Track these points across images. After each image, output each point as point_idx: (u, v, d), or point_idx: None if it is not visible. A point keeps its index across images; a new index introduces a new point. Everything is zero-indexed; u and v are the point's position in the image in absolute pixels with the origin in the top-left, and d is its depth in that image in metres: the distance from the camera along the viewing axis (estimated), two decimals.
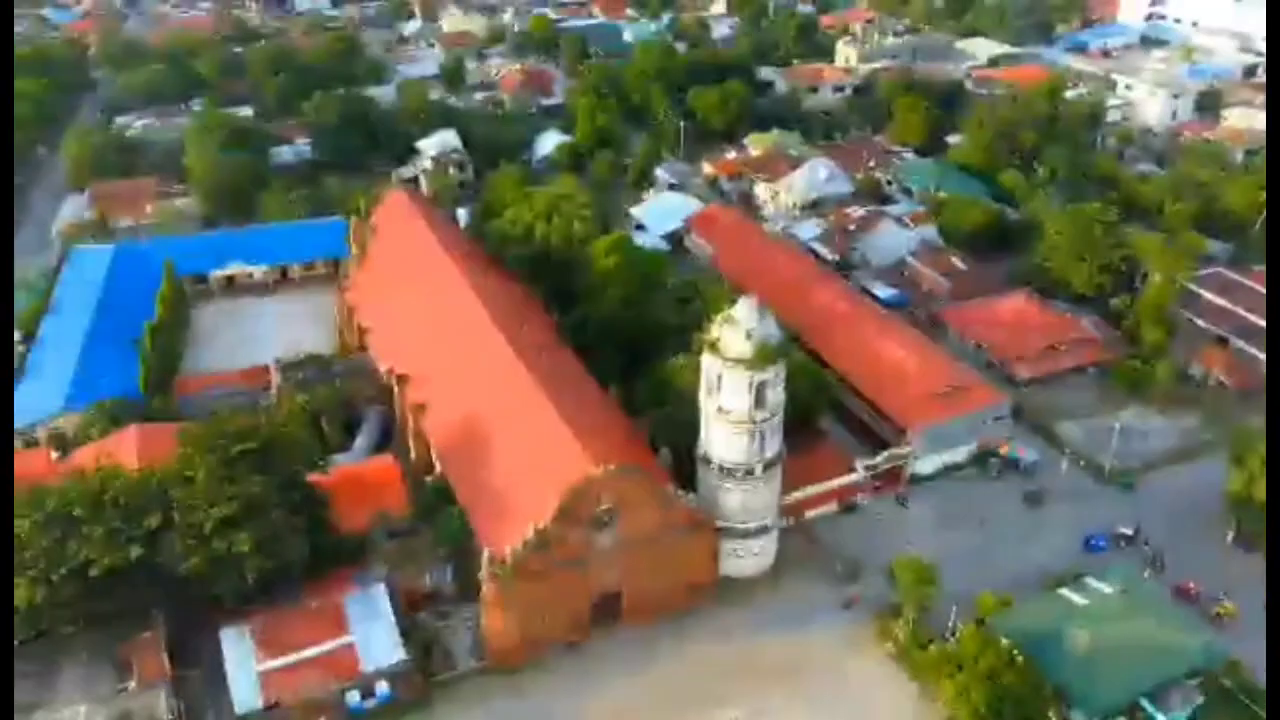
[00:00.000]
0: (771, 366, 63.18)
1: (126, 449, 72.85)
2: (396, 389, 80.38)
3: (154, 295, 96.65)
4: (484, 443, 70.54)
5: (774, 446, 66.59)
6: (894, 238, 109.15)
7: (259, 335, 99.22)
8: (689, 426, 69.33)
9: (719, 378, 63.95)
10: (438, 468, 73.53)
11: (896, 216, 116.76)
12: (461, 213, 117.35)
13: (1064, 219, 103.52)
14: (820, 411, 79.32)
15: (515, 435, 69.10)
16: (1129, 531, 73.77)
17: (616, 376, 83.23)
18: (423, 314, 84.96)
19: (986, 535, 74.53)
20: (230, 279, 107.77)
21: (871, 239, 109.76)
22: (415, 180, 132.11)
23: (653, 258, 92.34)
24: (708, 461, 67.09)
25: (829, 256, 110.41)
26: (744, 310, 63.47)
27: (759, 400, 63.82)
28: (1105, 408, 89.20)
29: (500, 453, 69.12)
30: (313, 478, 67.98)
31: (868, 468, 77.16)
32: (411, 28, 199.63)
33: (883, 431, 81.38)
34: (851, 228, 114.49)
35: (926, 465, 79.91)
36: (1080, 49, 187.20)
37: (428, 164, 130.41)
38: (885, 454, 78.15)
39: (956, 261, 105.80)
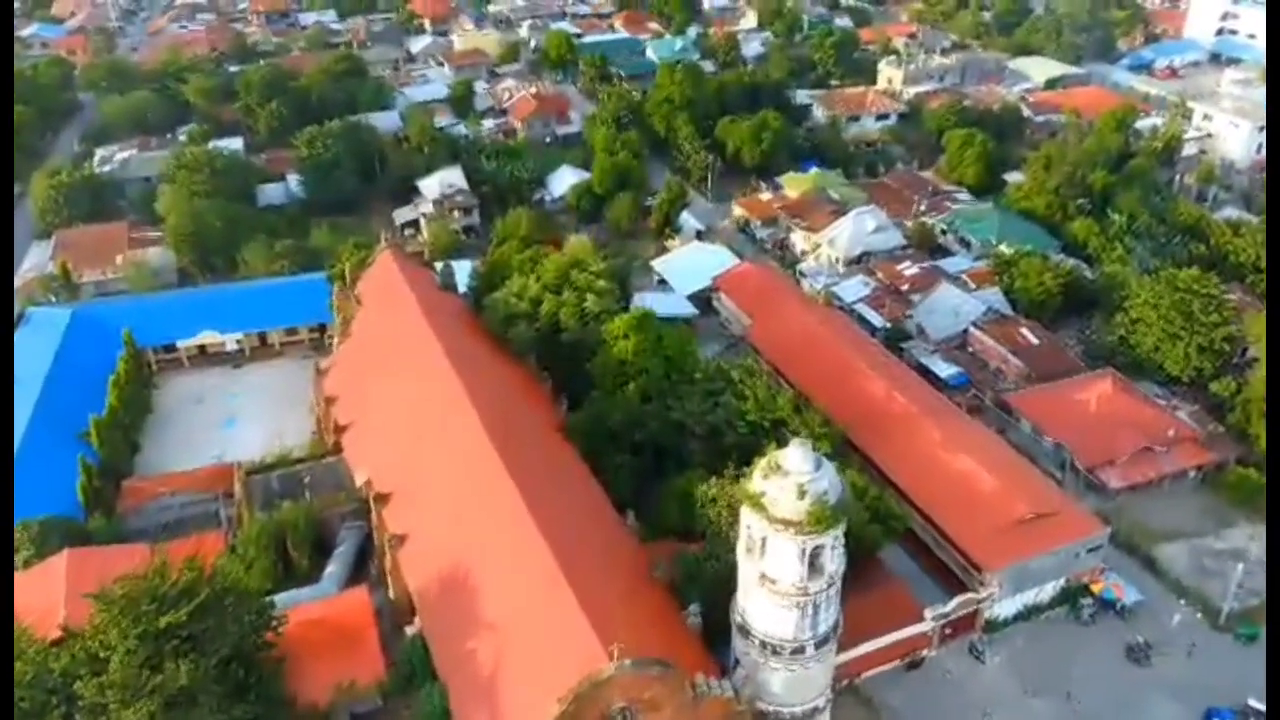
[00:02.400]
0: (831, 530, 50.09)
1: (52, 585, 61.39)
2: (374, 510, 67.92)
3: (111, 372, 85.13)
4: (472, 597, 57.84)
5: (829, 618, 53.44)
6: (954, 302, 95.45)
7: (231, 418, 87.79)
8: (722, 579, 56.61)
9: (763, 540, 50.92)
10: (417, 621, 61.01)
11: (955, 275, 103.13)
12: (464, 267, 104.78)
13: (1152, 288, 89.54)
14: (880, 545, 66.02)
15: (510, 593, 56.37)
16: (1260, 706, 60.17)
17: (633, 491, 70.94)
18: (408, 414, 72.40)
19: (1079, 708, 61.27)
20: (202, 347, 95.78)
21: (928, 304, 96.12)
22: (415, 224, 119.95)
23: (678, 339, 79.20)
24: (746, 633, 54.11)
25: (878, 323, 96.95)
26: (796, 459, 50.16)
27: (813, 568, 50.81)
28: (1212, 525, 75.62)
29: (491, 613, 56.32)
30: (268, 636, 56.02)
31: (938, 617, 63.94)
32: (421, 44, 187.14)
33: (952, 562, 68.15)
34: (904, 288, 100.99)
35: (1006, 607, 66.59)
36: (1144, 68, 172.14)
37: (429, 207, 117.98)
38: (958, 600, 64.84)
39: (1027, 333, 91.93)
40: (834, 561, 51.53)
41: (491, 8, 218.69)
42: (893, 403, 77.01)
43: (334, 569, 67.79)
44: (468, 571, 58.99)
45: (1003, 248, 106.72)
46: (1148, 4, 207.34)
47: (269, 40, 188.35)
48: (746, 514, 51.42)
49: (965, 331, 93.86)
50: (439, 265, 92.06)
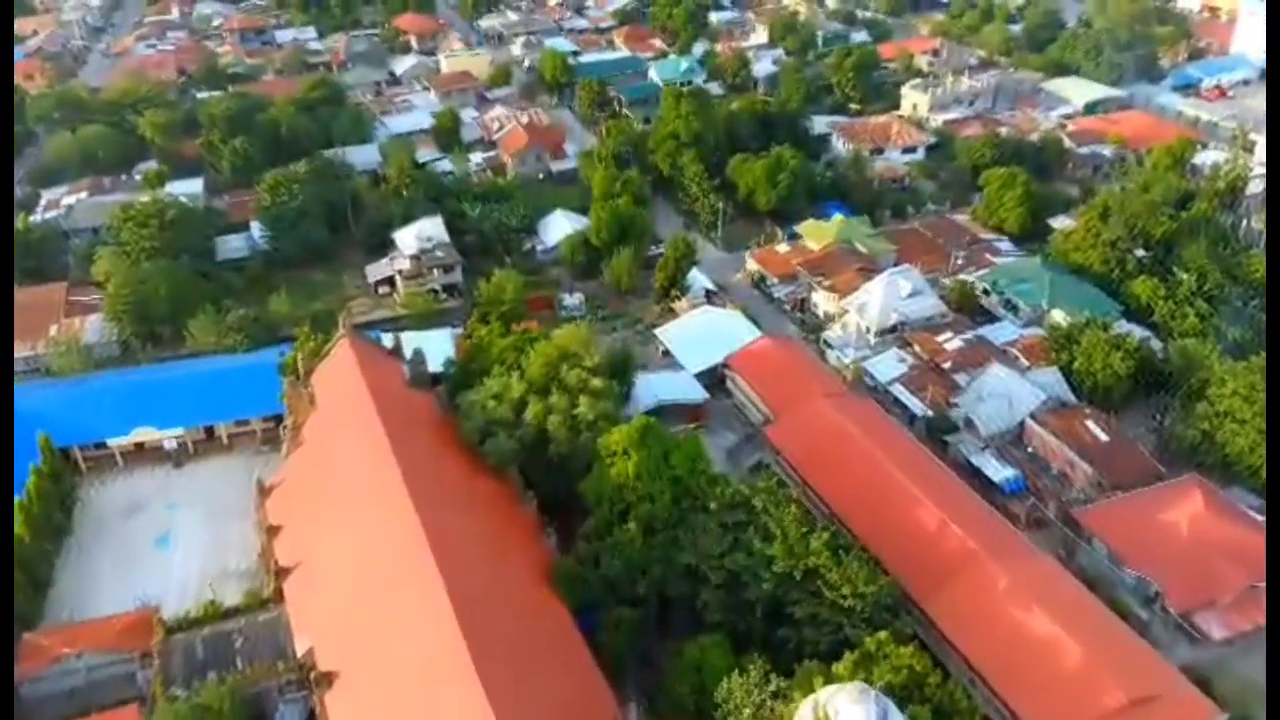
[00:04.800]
0: None
1: None
2: (315, 693, 55.06)
3: (24, 485, 72.41)
4: None
5: None
6: (1007, 388, 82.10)
7: (165, 535, 75.10)
8: None
9: None
10: None
11: (1003, 348, 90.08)
12: (443, 337, 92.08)
13: (1244, 377, 76.34)
14: None
15: None
16: None
17: (635, 654, 58.40)
18: (360, 565, 59.49)
19: None
20: (139, 444, 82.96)
21: (976, 389, 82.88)
22: (391, 281, 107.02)
23: (688, 455, 65.89)
24: None
25: (919, 411, 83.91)
26: (852, 711, 37.32)
27: None
28: None
29: None
30: None
31: None
32: (406, 64, 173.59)
33: None
34: (946, 365, 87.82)
35: None
36: (1190, 87, 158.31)
37: (405, 263, 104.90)
38: None
39: (1094, 428, 78.62)
40: None
41: (483, 22, 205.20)
42: (947, 537, 63.86)
43: None
44: None
45: (1056, 314, 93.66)
46: (1185, 11, 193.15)
47: (242, 62, 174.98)
48: None
49: (1021, 423, 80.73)
50: (409, 351, 78.82)
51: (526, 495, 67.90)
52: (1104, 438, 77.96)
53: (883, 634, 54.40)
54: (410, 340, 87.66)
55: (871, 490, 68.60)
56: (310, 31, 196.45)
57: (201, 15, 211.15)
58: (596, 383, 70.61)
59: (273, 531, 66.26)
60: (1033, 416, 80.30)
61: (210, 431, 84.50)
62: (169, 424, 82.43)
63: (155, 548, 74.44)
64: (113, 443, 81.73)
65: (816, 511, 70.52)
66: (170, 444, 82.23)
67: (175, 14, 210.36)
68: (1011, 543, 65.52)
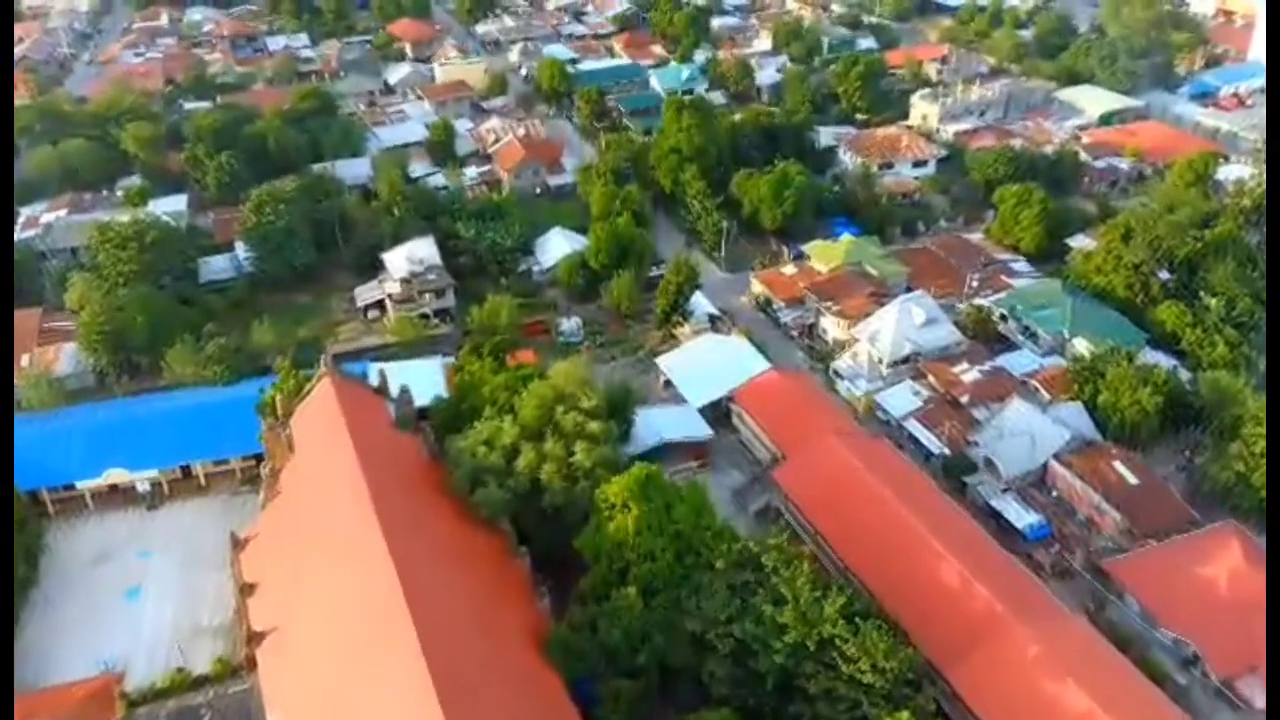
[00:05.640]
0: None
1: None
2: None
3: None
4: None
5: None
6: (1029, 425, 77.43)
7: (135, 586, 70.59)
8: None
9: None
10: None
11: (1022, 379, 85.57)
12: (434, 368, 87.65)
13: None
14: None
15: None
16: None
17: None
18: (337, 633, 54.99)
19: None
20: (112, 485, 78.49)
21: (997, 426, 78.27)
22: (380, 304, 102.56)
23: (692, 508, 61.48)
24: None
25: (935, 449, 79.37)
26: None
27: None
28: None
29: None
30: None
31: None
32: (400, 73, 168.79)
33: None
34: (963, 398, 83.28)
35: None
36: (1208, 95, 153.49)
37: (395, 286, 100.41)
38: None
39: (1123, 470, 74.00)
40: None
41: (480, 28, 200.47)
42: (972, 596, 59.31)
43: None
44: None
45: (1078, 343, 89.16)
46: (1200, 16, 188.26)
47: (232, 70, 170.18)
48: None
49: (1044, 464, 76.19)
50: (395, 389, 74.28)
51: (519, 550, 63.43)
52: (1133, 480, 73.39)
53: (904, 715, 50.00)
54: (399, 372, 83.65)
55: (888, 542, 64.11)
56: (303, 38, 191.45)
57: (191, 21, 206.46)
58: (594, 426, 66.19)
59: (247, 590, 61.84)
60: (1056, 456, 75.76)
61: (187, 470, 79.98)
62: (143, 464, 77.95)
63: (125, 600, 69.96)
64: (83, 485, 77.29)
65: (829, 564, 66.27)
66: (143, 486, 77.69)
67: (165, 20, 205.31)
68: (1039, 602, 60.95)
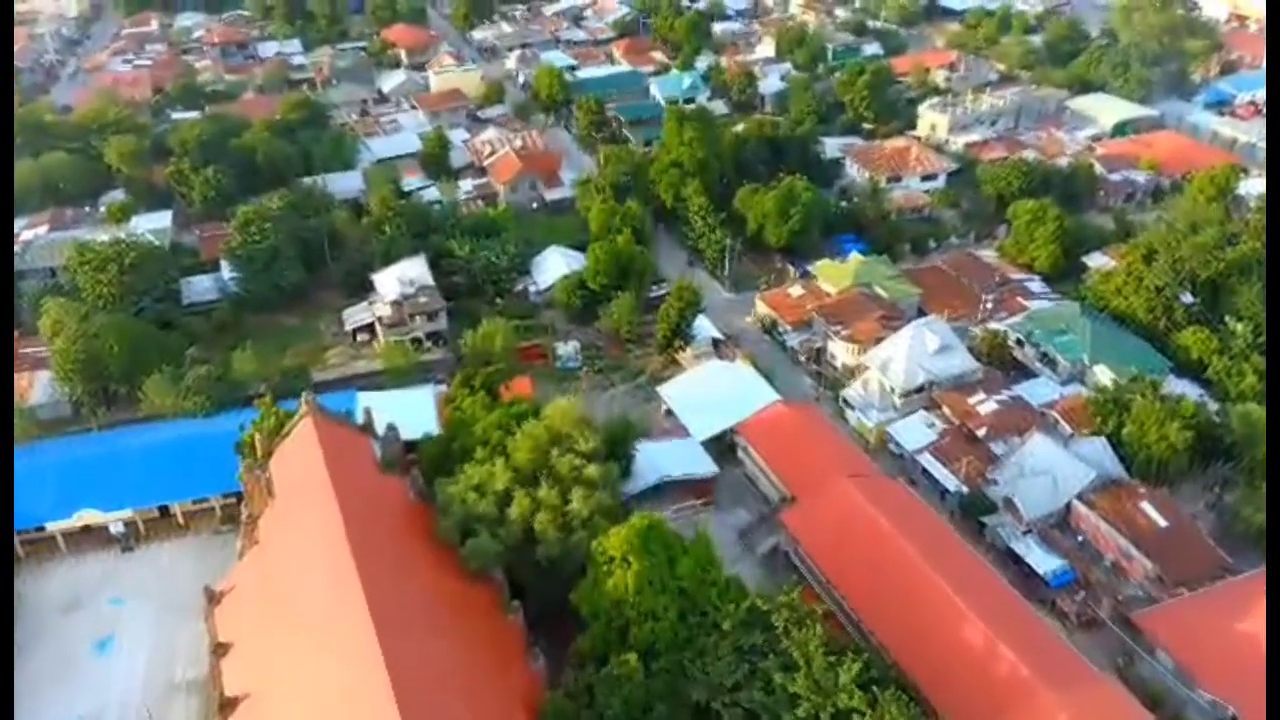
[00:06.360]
0: None
1: None
2: None
3: None
4: None
5: None
6: (1051, 463, 73.44)
7: (107, 637, 66.96)
8: None
9: None
10: None
11: (1041, 410, 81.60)
12: (425, 398, 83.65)
13: None
14: None
15: None
16: None
17: None
18: (315, 700, 50.90)
19: None
20: (85, 526, 74.54)
21: (1017, 463, 74.30)
22: (370, 328, 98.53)
23: (696, 563, 57.50)
24: None
25: (951, 486, 75.43)
26: None
27: None
28: None
29: None
30: None
31: None
32: (393, 81, 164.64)
33: None
34: (980, 431, 79.29)
35: None
36: (1224, 104, 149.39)
37: (385, 309, 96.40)
38: None
39: (1151, 512, 69.97)
40: None
41: (476, 34, 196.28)
42: (997, 659, 55.31)
43: None
44: None
45: (1099, 371, 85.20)
46: (1212, 21, 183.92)
47: (222, 78, 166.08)
48: None
49: (1067, 504, 72.20)
50: (382, 424, 70.29)
51: (512, 605, 59.45)
52: (1162, 523, 69.35)
53: None
54: (388, 401, 79.94)
55: (907, 597, 60.13)
56: (295, 44, 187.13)
57: (181, 28, 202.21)
58: (591, 471, 62.15)
59: (221, 650, 57.85)
60: (1080, 496, 71.76)
61: (164, 510, 76.09)
62: (118, 504, 74.08)
63: (95, 653, 66.26)
64: (53, 526, 73.36)
65: (843, 618, 62.26)
66: (117, 527, 73.75)
67: (155, 26, 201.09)
68: (1068, 664, 56.90)
